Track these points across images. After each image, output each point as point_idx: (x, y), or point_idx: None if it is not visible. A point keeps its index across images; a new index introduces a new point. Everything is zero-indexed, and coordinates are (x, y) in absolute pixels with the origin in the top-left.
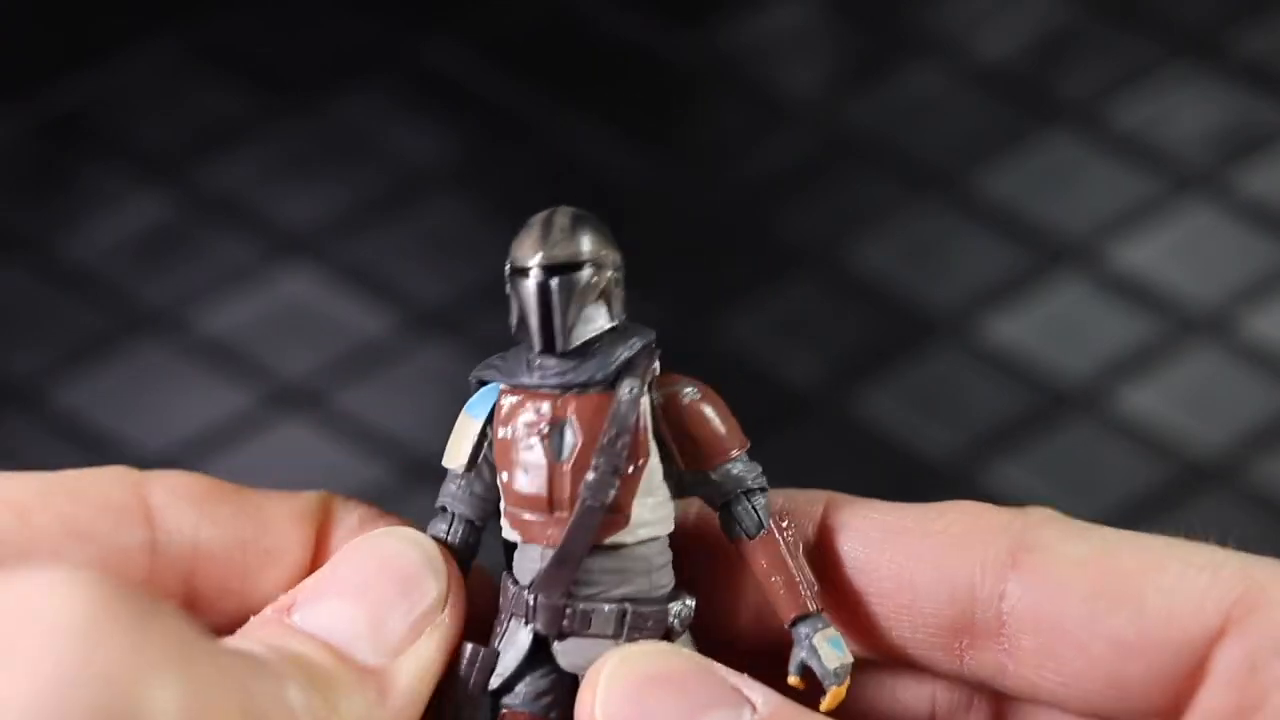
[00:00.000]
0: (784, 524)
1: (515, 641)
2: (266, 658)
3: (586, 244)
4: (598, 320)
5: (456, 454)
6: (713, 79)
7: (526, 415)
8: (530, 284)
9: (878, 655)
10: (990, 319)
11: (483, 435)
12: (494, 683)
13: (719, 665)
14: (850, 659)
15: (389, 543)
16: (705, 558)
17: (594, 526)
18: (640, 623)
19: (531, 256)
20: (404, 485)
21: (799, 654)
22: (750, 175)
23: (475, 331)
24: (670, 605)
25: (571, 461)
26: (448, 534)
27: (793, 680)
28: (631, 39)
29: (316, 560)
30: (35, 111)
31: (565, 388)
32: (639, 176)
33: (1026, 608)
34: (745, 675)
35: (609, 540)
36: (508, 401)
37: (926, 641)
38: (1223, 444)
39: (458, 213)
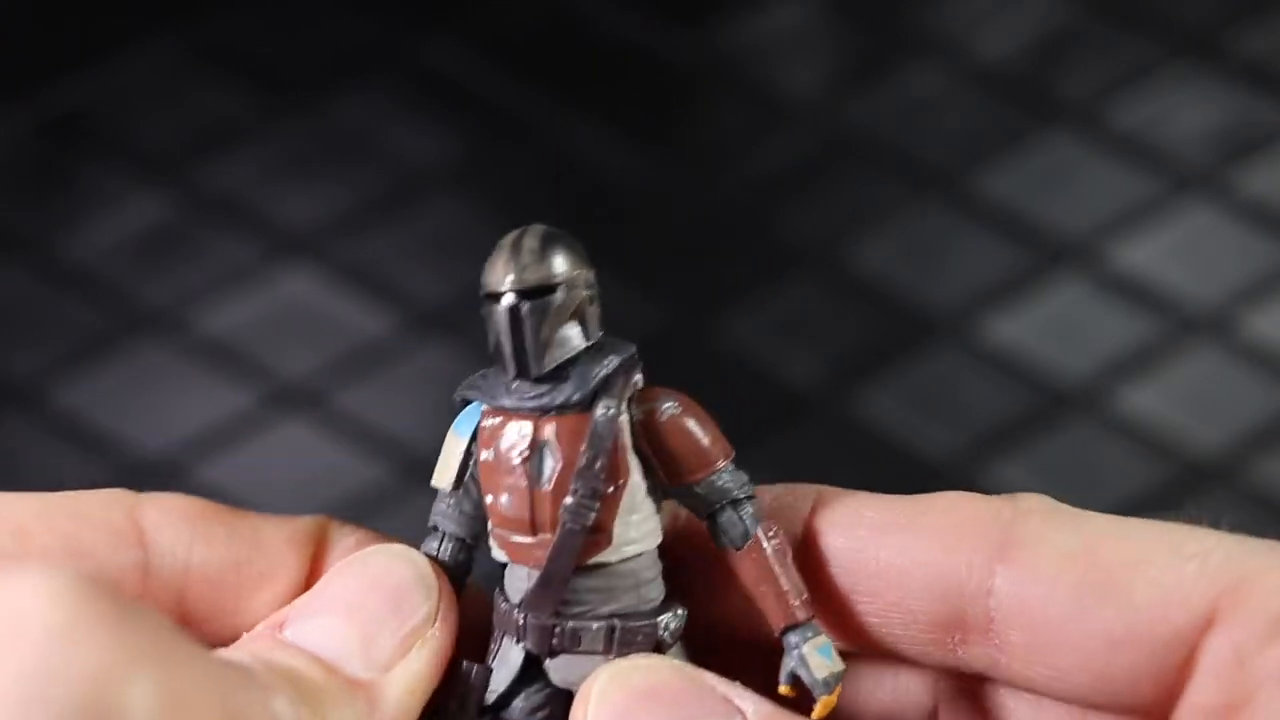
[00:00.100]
0: (771, 531)
1: (508, 659)
2: (254, 668)
3: (556, 265)
4: (572, 341)
5: (444, 473)
6: (713, 79)
7: (507, 438)
8: (501, 310)
9: (873, 652)
10: (990, 319)
11: (468, 454)
12: (489, 699)
13: (710, 675)
14: (840, 667)
15: (380, 559)
16: (698, 560)
17: (576, 549)
18: (630, 638)
19: (501, 281)
20: (404, 485)
21: (788, 664)
22: (750, 175)
23: (475, 331)
24: (660, 618)
25: (552, 485)
26: (438, 551)
27: (784, 689)
28: (631, 39)
29: (311, 583)
30: (35, 111)
31: (543, 410)
32: (639, 176)
33: (1014, 604)
34: (737, 684)
35: (593, 560)
36: (489, 423)
37: (920, 638)
38: (1222, 444)
39: (458, 213)
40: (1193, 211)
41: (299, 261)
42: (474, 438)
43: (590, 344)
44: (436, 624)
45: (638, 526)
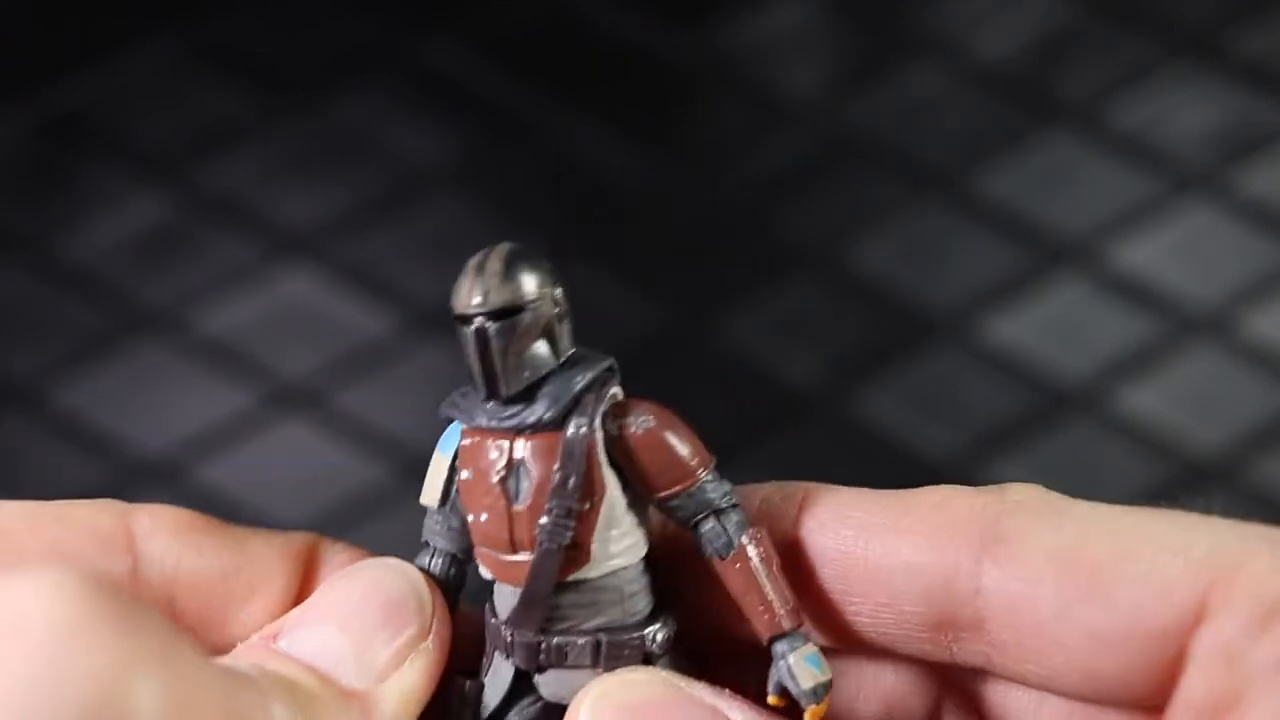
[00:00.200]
0: (756, 540)
1: (499, 674)
2: (252, 674)
3: (522, 285)
4: (542, 360)
5: (431, 491)
6: (713, 79)
7: (484, 457)
8: (469, 332)
9: (869, 652)
10: (990, 319)
11: (452, 471)
12: (482, 714)
13: (699, 685)
14: (828, 676)
15: (374, 573)
16: (688, 566)
17: (554, 567)
18: (617, 651)
19: (468, 304)
20: (404, 485)
21: (776, 674)
22: (750, 175)
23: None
24: (647, 630)
25: (527, 504)
26: (431, 566)
27: (772, 700)
28: (631, 39)
29: (301, 598)
30: (35, 111)
31: (517, 430)
32: (639, 176)
33: (1002, 603)
34: (725, 692)
35: (573, 577)
36: (468, 442)
37: (914, 637)
38: (1223, 444)
39: (458, 213)
40: (1193, 211)
41: (299, 261)
42: (456, 456)
43: (562, 361)
44: (431, 637)
45: (618, 541)
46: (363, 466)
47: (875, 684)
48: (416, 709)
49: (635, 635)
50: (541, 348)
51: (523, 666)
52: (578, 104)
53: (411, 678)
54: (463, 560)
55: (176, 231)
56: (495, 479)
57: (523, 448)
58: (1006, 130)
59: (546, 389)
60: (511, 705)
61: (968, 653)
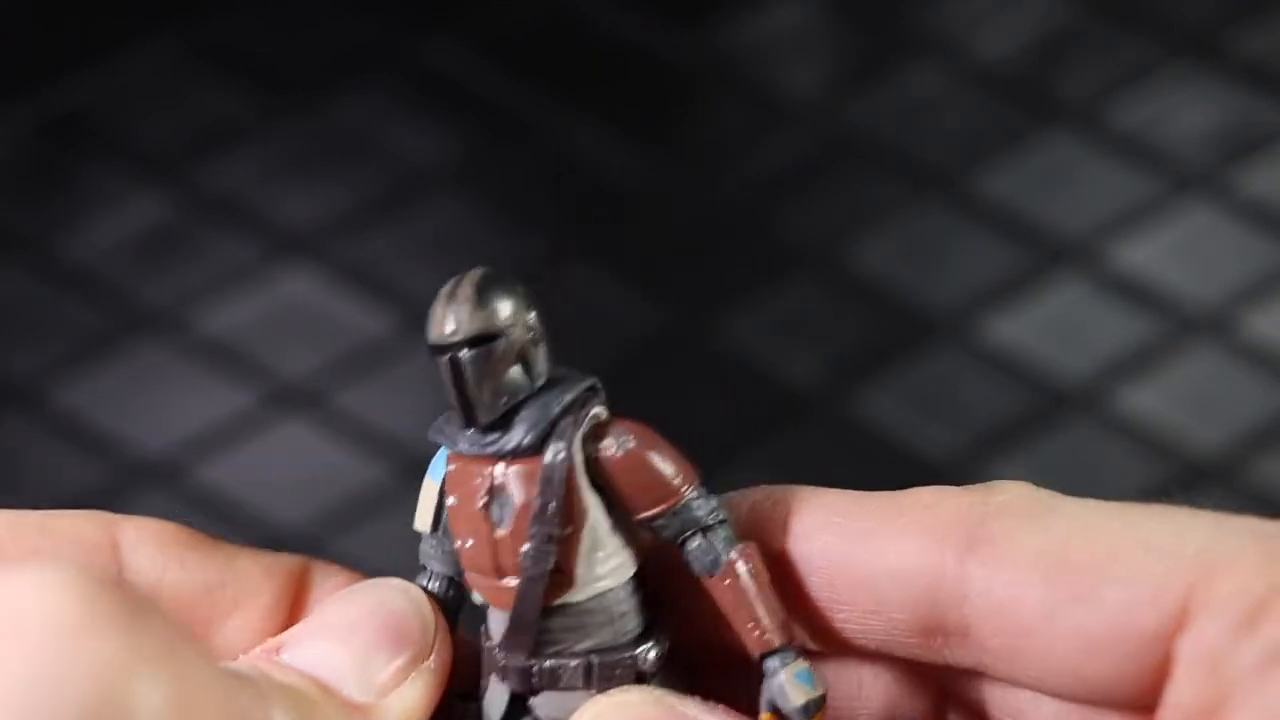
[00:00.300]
0: (745, 555)
1: (495, 697)
2: (254, 677)
3: (495, 312)
4: (517, 385)
5: (423, 516)
6: (713, 79)
7: (467, 483)
8: (443, 362)
9: (866, 655)
10: (990, 319)
11: (442, 496)
12: None
13: (692, 703)
14: (820, 692)
15: (378, 591)
16: (682, 580)
17: (539, 593)
18: (609, 672)
19: (440, 333)
20: (404, 485)
21: (767, 692)
22: (750, 175)
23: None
24: (639, 650)
25: (509, 530)
26: (428, 587)
27: (764, 717)
28: (631, 39)
29: (292, 620)
30: (35, 111)
31: (496, 456)
32: (639, 176)
33: (987, 609)
34: (720, 708)
35: (559, 601)
36: (453, 468)
37: (905, 642)
38: (1223, 444)
39: (458, 213)
40: (1193, 211)
41: (299, 261)
42: (444, 481)
43: (539, 384)
44: (433, 657)
45: (603, 564)
46: (363, 466)
47: (875, 685)
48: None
49: (627, 655)
50: (517, 373)
51: (517, 689)
52: (578, 104)
53: (413, 696)
54: (460, 583)
55: (176, 231)
56: (478, 505)
57: (503, 474)
58: (1006, 130)
59: (524, 414)
60: None
61: (960, 657)
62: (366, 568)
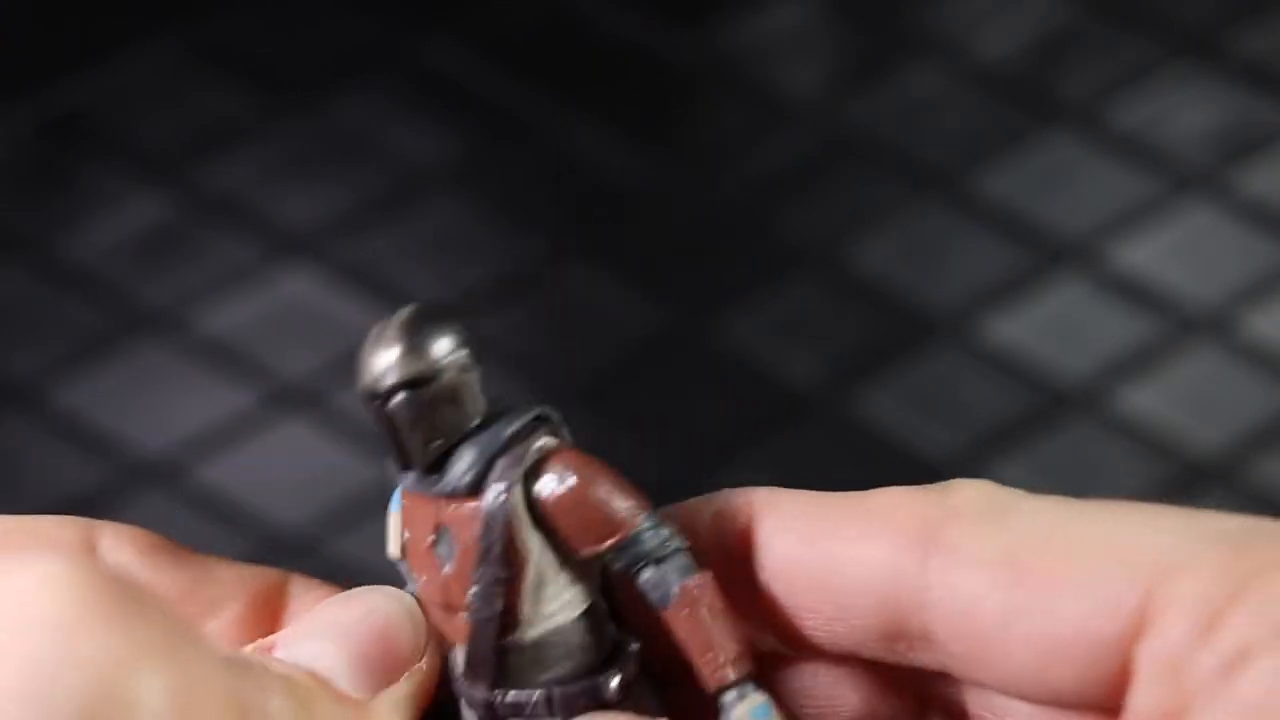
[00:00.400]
0: (700, 585)
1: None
2: (252, 662)
3: (425, 353)
4: (454, 426)
5: (393, 545)
6: (713, 79)
7: (417, 521)
8: (374, 408)
9: (834, 661)
10: (990, 319)
11: (401, 528)
12: None
13: None
14: None
15: (369, 595)
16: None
17: (491, 633)
18: (570, 703)
19: (370, 380)
20: None
21: None
22: (750, 175)
23: (475, 332)
24: (600, 679)
25: (454, 571)
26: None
27: None
28: (631, 39)
29: (266, 629)
30: (35, 111)
31: (440, 495)
32: (639, 176)
33: (946, 616)
34: None
35: (510, 639)
36: (407, 503)
37: (870, 645)
38: (1223, 444)
39: (458, 213)
40: (1193, 211)
41: (299, 261)
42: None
43: (476, 422)
44: (424, 660)
45: (552, 601)
46: (363, 466)
47: (850, 687)
48: None
49: (589, 684)
50: (452, 414)
51: (482, 718)
52: (578, 104)
53: (404, 695)
54: None
55: (176, 231)
56: (426, 544)
57: (446, 514)
58: (1006, 130)
59: (462, 453)
60: None
61: (926, 661)
62: (366, 568)
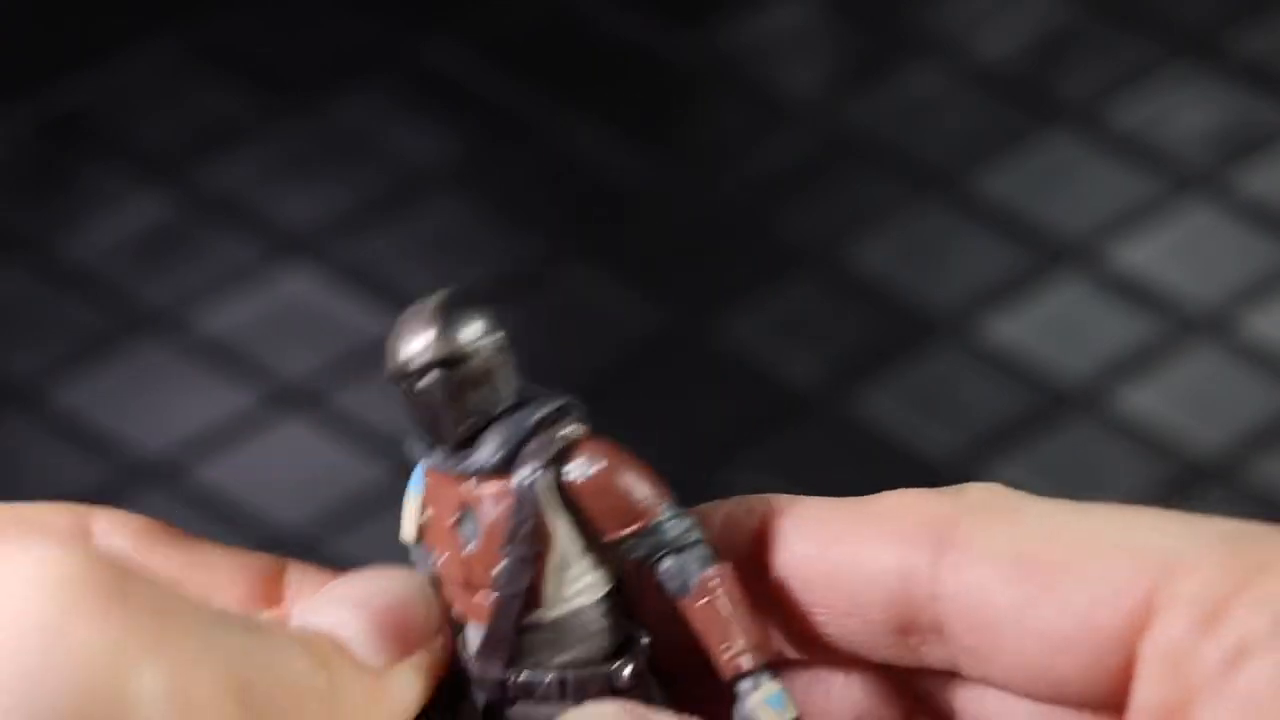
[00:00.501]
0: (719, 576)
1: (471, 707)
2: (269, 625)
3: (461, 334)
4: (484, 407)
5: (408, 527)
6: (713, 79)
7: (439, 499)
8: (408, 386)
9: (840, 662)
10: (990, 319)
11: (422, 509)
12: None
13: (663, 715)
14: (791, 715)
15: (382, 573)
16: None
17: (513, 612)
18: (583, 686)
19: (405, 358)
20: (404, 485)
21: (738, 715)
22: (750, 175)
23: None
24: (614, 666)
25: (478, 549)
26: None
27: None
28: (631, 39)
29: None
30: (35, 111)
31: (465, 474)
32: (639, 176)
33: (957, 608)
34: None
35: (531, 620)
36: (430, 482)
37: (882, 642)
38: (1223, 444)
39: (458, 213)
40: (1193, 211)
41: (299, 261)
42: (423, 494)
43: (507, 405)
44: (438, 637)
45: (574, 583)
46: (363, 466)
47: (846, 696)
48: (420, 701)
49: (601, 670)
50: (484, 394)
51: (491, 700)
52: (578, 104)
53: (419, 670)
54: None
55: (176, 231)
56: (449, 522)
57: (472, 493)
58: (1006, 130)
59: (493, 433)
60: None
61: (936, 657)
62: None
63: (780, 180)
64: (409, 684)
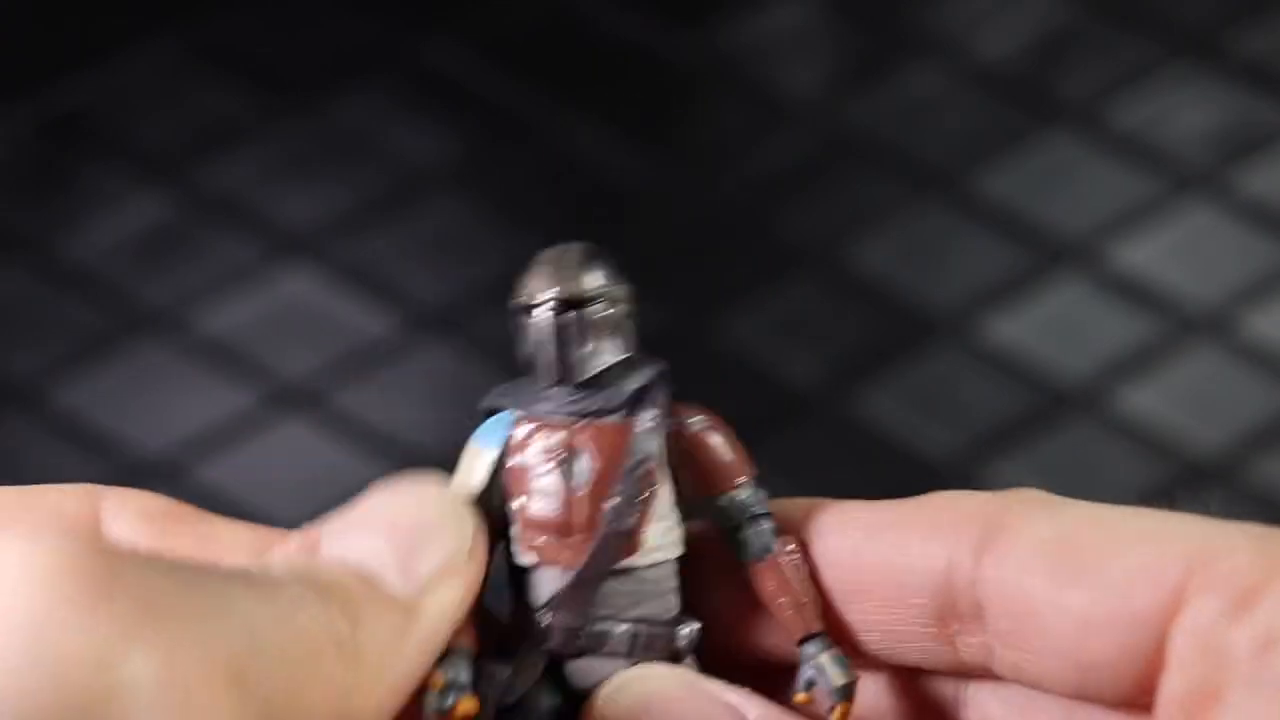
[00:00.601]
0: (789, 547)
1: (528, 663)
2: (281, 581)
3: (600, 279)
4: (610, 352)
5: (474, 478)
6: (713, 79)
7: (541, 443)
8: (544, 318)
9: (877, 656)
10: (990, 319)
11: (500, 461)
12: (507, 701)
13: (716, 682)
14: (854, 677)
15: (419, 489)
16: (711, 576)
17: (615, 550)
18: (651, 644)
19: (546, 291)
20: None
21: (806, 672)
22: (750, 175)
23: (475, 331)
24: (679, 628)
25: (588, 488)
26: None
27: (800, 698)
28: (631, 39)
29: None
30: (35, 111)
31: (580, 415)
32: (639, 176)
33: (997, 591)
34: (744, 690)
35: (623, 564)
36: (522, 430)
37: (920, 632)
38: (1223, 444)
39: (458, 213)
40: (1193, 211)
41: (299, 261)
42: (505, 446)
43: (625, 357)
44: (471, 558)
45: (664, 535)
46: (363, 466)
47: (860, 702)
48: (453, 625)
49: (668, 630)
50: (612, 340)
51: (558, 650)
52: (578, 104)
53: (453, 594)
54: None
55: (176, 231)
56: (554, 463)
57: (583, 434)
58: (1006, 130)
59: (611, 379)
60: (536, 695)
61: (971, 646)
62: None
63: (780, 180)
64: (441, 613)
